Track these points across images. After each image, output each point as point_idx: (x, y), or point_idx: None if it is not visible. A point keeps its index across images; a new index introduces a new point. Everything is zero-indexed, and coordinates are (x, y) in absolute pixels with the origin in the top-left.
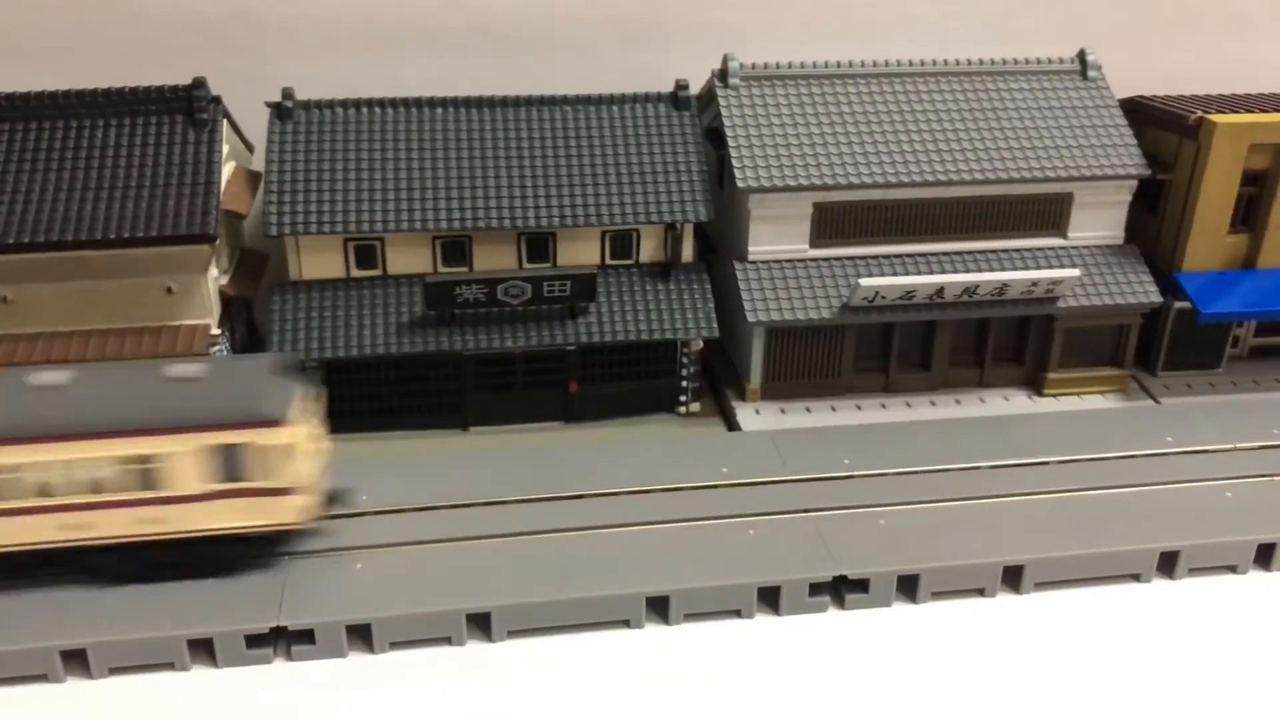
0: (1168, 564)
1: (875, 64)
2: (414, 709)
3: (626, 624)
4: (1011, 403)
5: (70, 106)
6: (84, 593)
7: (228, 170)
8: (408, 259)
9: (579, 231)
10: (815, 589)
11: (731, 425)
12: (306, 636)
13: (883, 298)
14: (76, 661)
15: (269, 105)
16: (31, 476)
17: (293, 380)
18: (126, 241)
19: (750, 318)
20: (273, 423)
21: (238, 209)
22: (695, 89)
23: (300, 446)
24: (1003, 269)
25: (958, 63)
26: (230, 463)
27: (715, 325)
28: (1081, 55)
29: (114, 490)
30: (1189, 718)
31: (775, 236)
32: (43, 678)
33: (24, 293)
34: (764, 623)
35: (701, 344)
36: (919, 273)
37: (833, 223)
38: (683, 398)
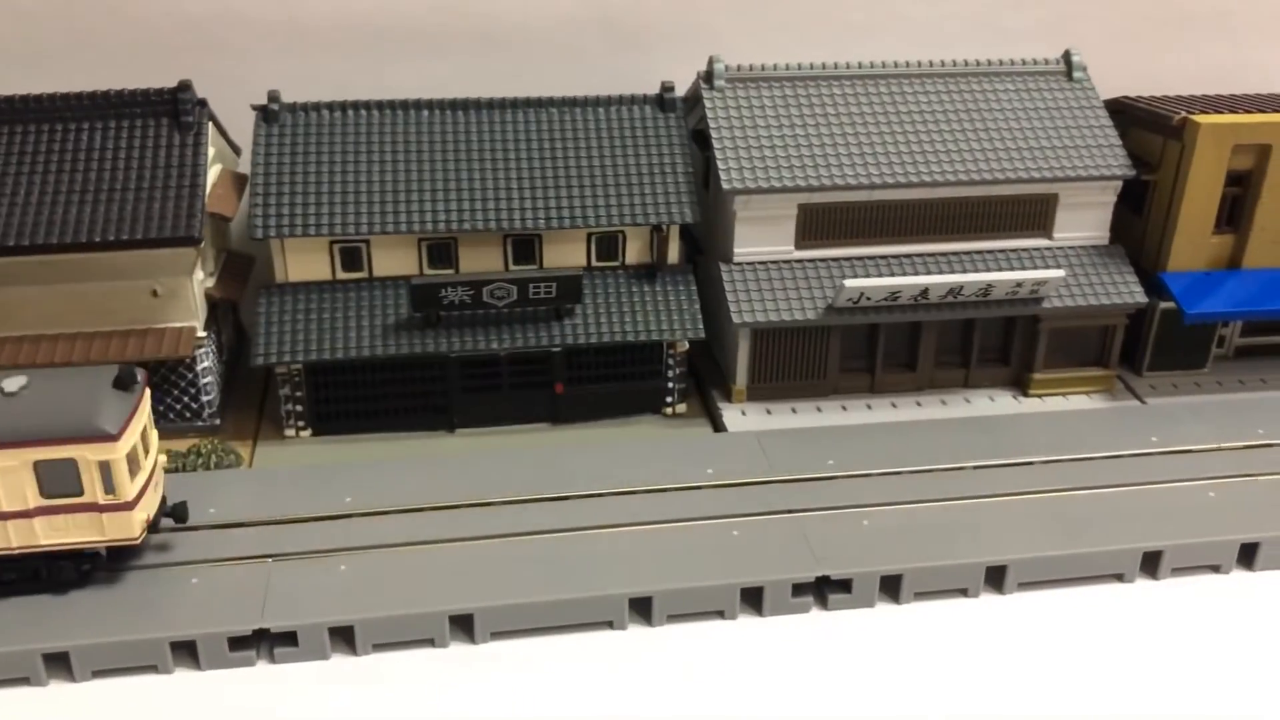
0: (1151, 564)
1: (860, 65)
2: (397, 711)
3: (610, 625)
4: (997, 403)
5: (55, 109)
6: (65, 595)
7: (213, 173)
8: (393, 261)
9: (564, 233)
10: (798, 589)
11: (717, 426)
12: (289, 638)
13: (868, 299)
14: (59, 664)
15: (255, 108)
16: None
17: (131, 392)
18: (111, 244)
19: (735, 319)
20: (108, 437)
21: (223, 212)
22: (681, 91)
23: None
24: (988, 270)
25: (943, 64)
26: (63, 478)
27: (701, 327)
28: (1067, 56)
29: None
30: (1173, 717)
31: (760, 238)
32: (25, 681)
33: (8, 296)
34: (747, 623)
35: (687, 345)
36: (904, 274)
37: (818, 224)
38: (669, 399)
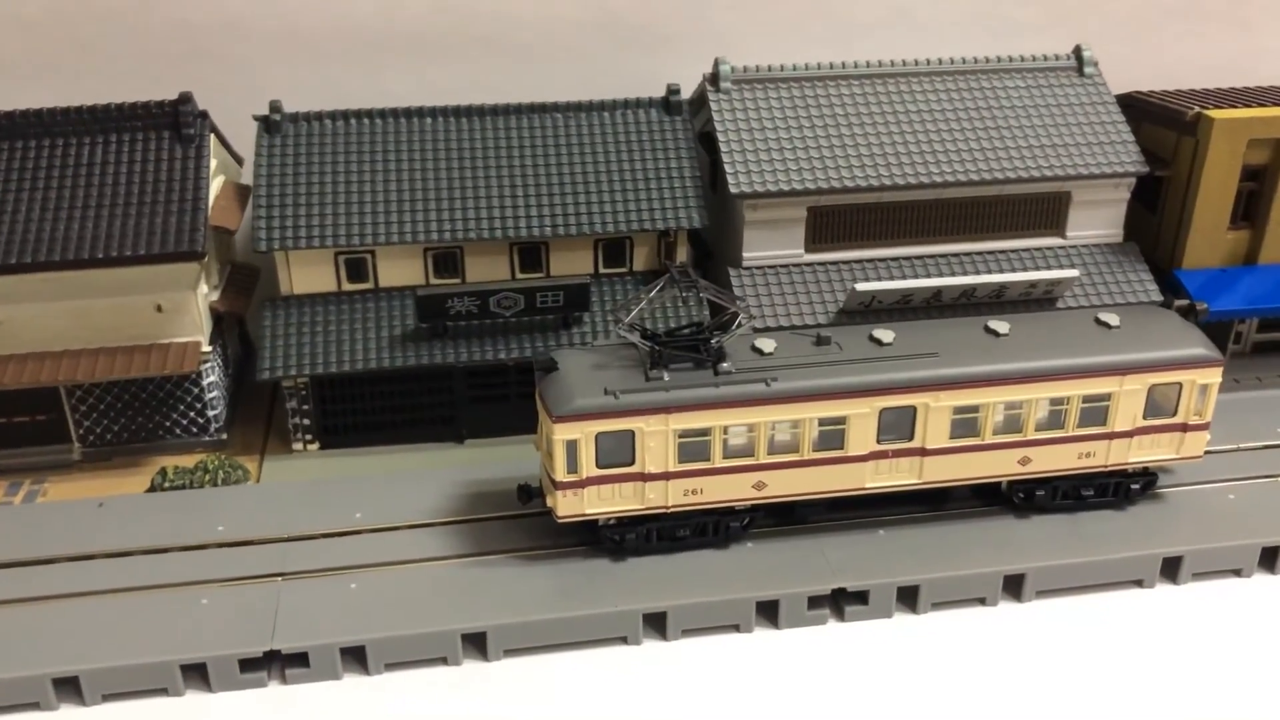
0: (1171, 569)
1: (868, 65)
2: None
3: (624, 641)
4: None
5: (56, 124)
6: (75, 619)
7: (216, 185)
8: (399, 271)
9: (571, 240)
10: (814, 602)
11: None
12: (301, 659)
13: (880, 302)
14: (69, 689)
15: (257, 119)
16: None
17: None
18: (115, 260)
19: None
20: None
21: (227, 224)
22: (687, 93)
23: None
24: (1001, 270)
25: (952, 61)
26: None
27: None
28: (1078, 51)
29: (1059, 428)
30: None
31: (770, 241)
32: (35, 706)
33: (13, 313)
34: (763, 637)
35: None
36: (916, 276)
37: (827, 227)
38: None
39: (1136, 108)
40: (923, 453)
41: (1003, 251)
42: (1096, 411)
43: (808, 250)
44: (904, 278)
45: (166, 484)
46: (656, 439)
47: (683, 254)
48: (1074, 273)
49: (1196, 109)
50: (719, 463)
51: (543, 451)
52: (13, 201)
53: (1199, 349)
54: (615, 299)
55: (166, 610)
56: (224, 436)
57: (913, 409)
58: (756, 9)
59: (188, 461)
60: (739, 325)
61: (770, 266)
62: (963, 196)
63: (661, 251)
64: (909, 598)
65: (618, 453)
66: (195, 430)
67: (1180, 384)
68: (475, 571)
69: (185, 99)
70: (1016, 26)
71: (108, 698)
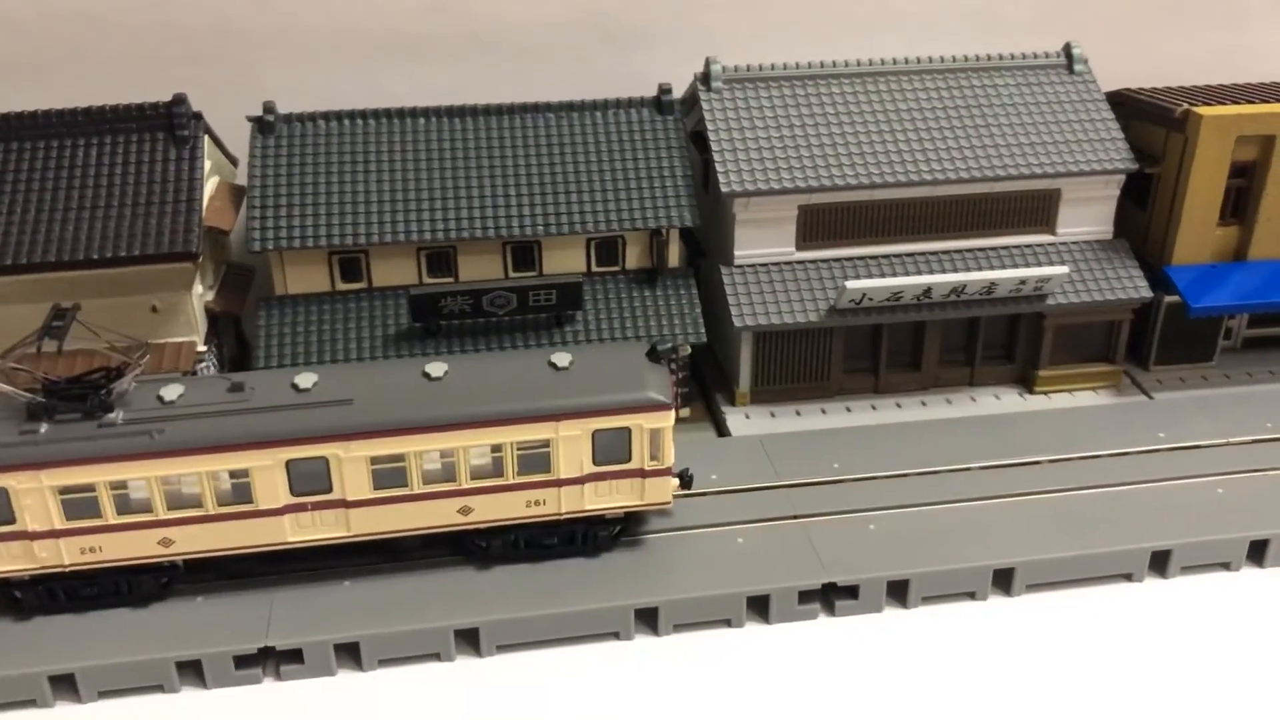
0: (1160, 563)
1: (859, 64)
2: None
3: (616, 636)
4: (1003, 401)
5: (50, 126)
6: (69, 617)
7: (210, 185)
8: (393, 271)
9: (564, 239)
10: (805, 596)
11: (721, 430)
12: (295, 656)
13: (870, 299)
14: (65, 686)
15: (250, 120)
16: (425, 464)
17: (662, 365)
18: (109, 261)
19: (737, 322)
20: (659, 406)
21: (221, 225)
22: (679, 92)
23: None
24: (991, 267)
25: (942, 59)
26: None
27: (703, 330)
28: (1067, 49)
29: (500, 476)
30: (1184, 718)
31: (761, 240)
32: (31, 703)
33: (7, 314)
34: (754, 631)
35: (690, 349)
36: (906, 273)
37: (819, 225)
38: None
39: (1126, 105)
40: (345, 504)
41: (993, 248)
42: (538, 459)
43: (799, 248)
44: (895, 275)
45: None
46: (34, 496)
47: (675, 253)
48: (1063, 269)
49: (1185, 106)
50: (113, 519)
51: None
52: (7, 202)
53: (647, 393)
54: (608, 297)
55: (162, 608)
56: None
57: (324, 459)
58: (747, 8)
59: None
60: (131, 373)
61: (762, 265)
62: (953, 194)
63: (654, 250)
64: (899, 592)
65: None
66: None
67: (629, 429)
68: (467, 568)
69: (179, 100)
70: (1006, 24)
71: (104, 694)
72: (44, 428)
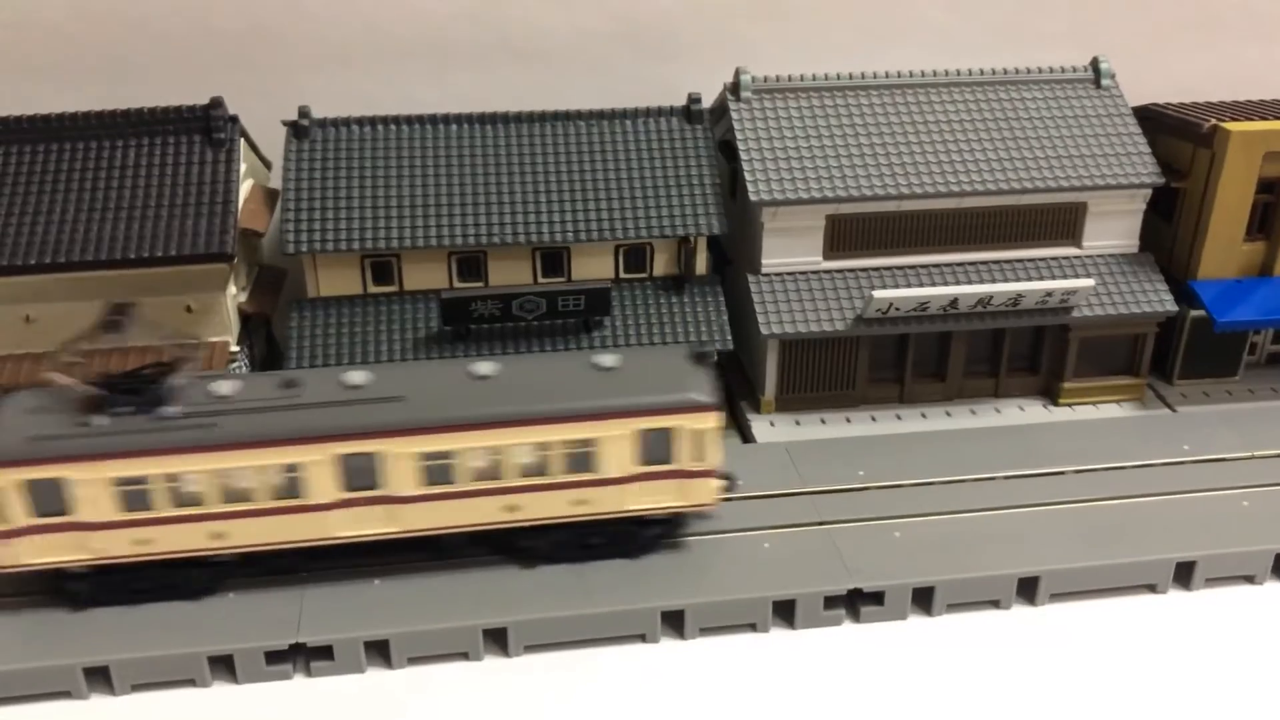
0: (1184, 575)
1: (887, 75)
2: None
3: (642, 638)
4: (1027, 412)
5: (89, 127)
6: (112, 611)
7: (245, 188)
8: (424, 275)
9: (593, 246)
10: (830, 602)
11: (746, 437)
12: (325, 653)
13: (897, 309)
14: (100, 678)
15: (285, 124)
16: (472, 461)
17: (705, 368)
18: (145, 261)
19: (764, 330)
20: (702, 408)
21: (255, 227)
22: (708, 102)
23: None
24: (1017, 279)
25: (970, 73)
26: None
27: (729, 337)
28: (1095, 63)
29: (547, 474)
30: None
31: (788, 249)
32: (66, 694)
33: (46, 312)
34: (779, 636)
35: (715, 356)
36: (933, 284)
37: (846, 235)
38: None
39: (1153, 119)
40: (394, 500)
41: (1019, 261)
42: (583, 458)
43: (826, 258)
44: (921, 286)
45: None
46: (90, 487)
47: (702, 261)
48: (1089, 282)
49: (1213, 121)
50: (167, 511)
51: None
52: (47, 202)
53: (691, 394)
54: (636, 304)
55: (194, 603)
56: None
57: (374, 455)
58: (777, 20)
59: None
60: (187, 368)
61: (789, 273)
62: (980, 206)
63: (681, 258)
64: (924, 599)
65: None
66: None
67: (673, 429)
68: (497, 568)
69: (216, 104)
70: (1034, 38)
71: (137, 688)
72: (101, 420)
